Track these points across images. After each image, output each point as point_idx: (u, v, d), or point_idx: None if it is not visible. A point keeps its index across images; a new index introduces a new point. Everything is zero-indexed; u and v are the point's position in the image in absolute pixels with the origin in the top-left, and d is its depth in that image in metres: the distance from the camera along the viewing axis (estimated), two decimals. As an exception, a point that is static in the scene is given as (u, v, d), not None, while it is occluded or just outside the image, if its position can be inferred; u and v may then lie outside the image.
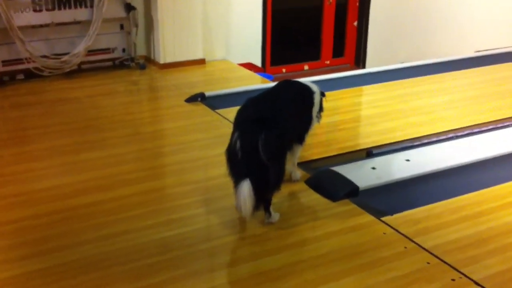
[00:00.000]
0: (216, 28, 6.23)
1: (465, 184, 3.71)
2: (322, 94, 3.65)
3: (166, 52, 5.90)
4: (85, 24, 5.51)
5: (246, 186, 2.91)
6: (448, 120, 4.77)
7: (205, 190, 3.51)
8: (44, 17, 5.31)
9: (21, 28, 5.19)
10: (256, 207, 2.99)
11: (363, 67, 7.83)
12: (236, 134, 3.01)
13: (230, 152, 3.03)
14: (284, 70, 7.39)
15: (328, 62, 7.77)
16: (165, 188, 3.52)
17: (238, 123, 3.06)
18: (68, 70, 5.51)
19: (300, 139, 3.50)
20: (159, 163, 3.84)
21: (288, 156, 3.52)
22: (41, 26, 5.35)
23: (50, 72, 5.44)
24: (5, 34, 5.12)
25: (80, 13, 5.45)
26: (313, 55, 7.68)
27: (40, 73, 5.40)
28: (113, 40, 5.76)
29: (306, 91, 3.52)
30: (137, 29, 5.86)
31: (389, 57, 7.83)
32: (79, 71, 5.67)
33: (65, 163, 3.83)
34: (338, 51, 7.83)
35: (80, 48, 5.48)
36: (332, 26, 7.65)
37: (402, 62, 7.41)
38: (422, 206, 3.39)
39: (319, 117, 3.64)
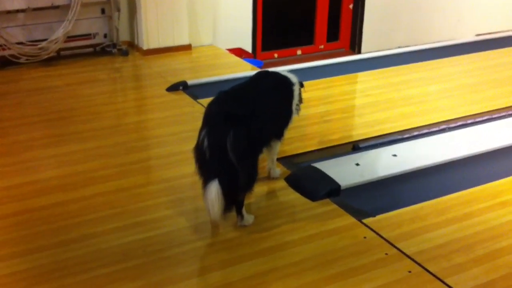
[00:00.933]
0: (202, 12, 5.96)
1: (455, 181, 3.50)
2: (301, 85, 3.41)
3: (150, 37, 5.65)
4: (64, 9, 5.25)
5: (214, 188, 2.70)
6: (441, 110, 4.53)
7: (177, 189, 3.29)
8: (20, 2, 5.06)
9: (-5, 13, 4.97)
10: (226, 210, 2.78)
11: (359, 51, 7.56)
12: (204, 131, 2.78)
13: (198, 151, 2.81)
14: (276, 55, 7.13)
15: (322, 46, 7.49)
16: (134, 188, 3.29)
17: (207, 118, 2.84)
18: (46, 57, 5.28)
19: (278, 135, 3.27)
20: (130, 159, 3.62)
21: (266, 153, 3.32)
22: (17, 11, 5.10)
23: (27, 60, 5.21)
24: (-21, 19, 4.90)
25: (58, -3, 5.21)
26: (307, 39, 7.40)
27: (17, 60, 5.17)
28: (94, 25, 5.51)
29: (284, 82, 3.28)
30: (119, 14, 5.60)
31: (386, 41, 7.57)
32: (58, 58, 5.43)
33: (29, 160, 3.61)
34: (332, 35, 7.55)
35: (59, 34, 5.24)
36: (327, 8, 7.37)
37: (399, 47, 7.17)
38: (407, 207, 3.18)
39: (298, 109, 3.40)
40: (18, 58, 5.16)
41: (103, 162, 3.59)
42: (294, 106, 3.31)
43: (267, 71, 3.36)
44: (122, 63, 5.55)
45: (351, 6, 7.47)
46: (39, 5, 5.15)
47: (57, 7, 5.24)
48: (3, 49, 5.07)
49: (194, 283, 2.55)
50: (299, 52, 7.34)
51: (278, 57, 7.16)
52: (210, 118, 2.82)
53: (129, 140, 3.92)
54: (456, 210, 3.16)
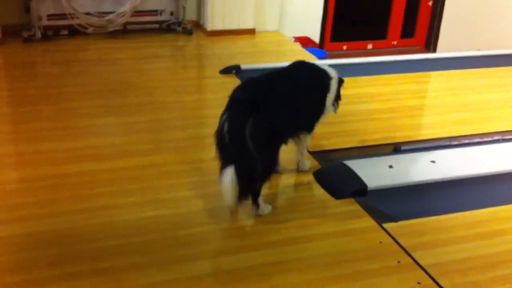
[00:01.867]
0: (269, -4, 5.95)
1: (494, 195, 3.32)
2: (341, 81, 3.33)
3: (214, 19, 5.70)
4: (133, -16, 5.41)
5: (229, 174, 2.70)
6: (499, 120, 4.29)
7: (204, 171, 3.32)
8: (91, -26, 5.26)
9: (67, -17, 5.17)
10: (241, 197, 2.78)
11: (434, 51, 7.29)
12: (225, 116, 2.78)
13: (218, 135, 2.82)
14: (345, 47, 7.00)
15: (395, 42, 7.28)
16: (163, 165, 3.35)
17: (229, 103, 2.83)
18: (112, 29, 5.44)
19: (308, 128, 3.22)
20: (167, 137, 3.68)
21: (295, 145, 3.28)
22: (87, -18, 5.30)
23: (94, 30, 5.39)
24: (51, -13, 5.12)
25: (129, -27, 5.35)
26: (379, 33, 7.21)
27: (84, 30, 5.36)
28: (161, 2, 5.62)
29: (320, 75, 3.21)
30: (187, -7, 5.69)
31: (465, 42, 7.23)
32: (124, 31, 5.59)
33: (72, 127, 3.75)
34: (407, 32, 7.31)
35: (126, 7, 5.38)
36: (404, 3, 7.13)
37: (479, 50, 6.85)
38: (435, 216, 3.05)
39: (336, 106, 3.32)
40: (85, 28, 5.35)
41: (141, 137, 3.67)
42: (329, 101, 3.23)
43: (304, 62, 3.30)
44: (185, 42, 5.64)
45: (430, 3, 7.20)
46: (110, -22, 5.32)
47: (127, -19, 5.39)
48: (72, 18, 5.26)
49: (195, 265, 2.56)
50: (370, 46, 7.17)
51: (347, 49, 7.02)
52: (232, 103, 2.81)
53: (171, 118, 3.99)
54: (487, 225, 2.99)
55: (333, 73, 3.26)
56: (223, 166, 2.77)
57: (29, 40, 5.21)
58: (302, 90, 3.04)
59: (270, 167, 2.85)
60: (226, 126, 2.74)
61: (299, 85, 3.05)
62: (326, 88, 3.21)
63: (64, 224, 2.76)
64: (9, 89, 4.39)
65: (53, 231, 2.71)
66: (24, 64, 4.91)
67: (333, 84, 3.24)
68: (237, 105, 2.79)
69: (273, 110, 2.77)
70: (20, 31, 5.24)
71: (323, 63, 3.50)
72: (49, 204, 2.91)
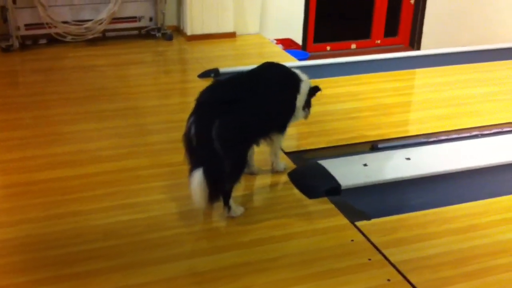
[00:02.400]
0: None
1: (470, 191, 3.30)
2: (316, 89, 3.30)
3: (194, 23, 5.69)
4: (111, -9, 5.40)
5: (197, 176, 2.69)
6: (479, 115, 4.28)
7: (177, 175, 3.28)
8: (68, -19, 5.25)
9: (44, -8, 5.16)
10: (212, 199, 2.77)
11: (418, 48, 7.28)
12: (191, 119, 2.77)
13: (186, 138, 2.80)
14: (328, 48, 7.00)
15: (379, 41, 7.28)
16: (136, 169, 3.33)
17: (196, 106, 2.82)
18: (91, 37, 5.43)
19: (279, 128, 3.20)
20: (141, 141, 3.66)
21: (268, 146, 3.26)
22: (65, -9, 5.29)
23: (72, 38, 5.38)
24: (28, -3, 5.10)
25: (106, -21, 5.35)
26: (363, 33, 7.21)
27: (63, 39, 5.35)
28: (140, 9, 5.61)
29: (290, 76, 3.19)
30: (165, -2, 5.68)
31: (449, 39, 7.21)
32: (103, 38, 5.58)
33: (47, 134, 3.73)
34: (391, 30, 7.31)
35: (104, 15, 5.37)
36: (386, 1, 7.13)
37: (464, 46, 6.85)
38: (409, 213, 3.03)
39: (306, 112, 3.30)
40: (64, 36, 5.34)
41: (115, 142, 3.66)
42: (299, 102, 3.21)
43: (274, 63, 3.29)
44: (165, 47, 5.62)
45: (412, 0, 7.20)
46: (87, -14, 5.31)
47: (104, -12, 5.39)
48: (49, 27, 5.25)
49: (163, 269, 2.54)
50: (353, 46, 7.17)
51: (331, 49, 7.02)
52: (199, 106, 2.80)
53: (146, 123, 3.98)
54: (461, 221, 2.98)
55: (304, 76, 3.24)
56: (192, 169, 2.76)
57: (8, 50, 5.19)
58: (270, 90, 3.03)
59: (239, 168, 2.83)
60: (193, 129, 2.73)
61: (267, 85, 3.03)
62: (296, 89, 3.19)
63: (33, 231, 2.75)
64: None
65: (21, 238, 2.69)
66: (2, 74, 4.89)
67: (303, 87, 3.22)
68: (203, 107, 2.78)
69: (240, 111, 2.76)
70: (-2, 41, 5.24)
71: (295, 66, 3.49)
72: (18, 211, 2.89)
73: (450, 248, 2.76)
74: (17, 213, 2.89)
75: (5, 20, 5.17)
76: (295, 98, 3.18)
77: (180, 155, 3.47)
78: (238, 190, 3.14)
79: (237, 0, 5.82)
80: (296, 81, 3.19)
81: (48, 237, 2.71)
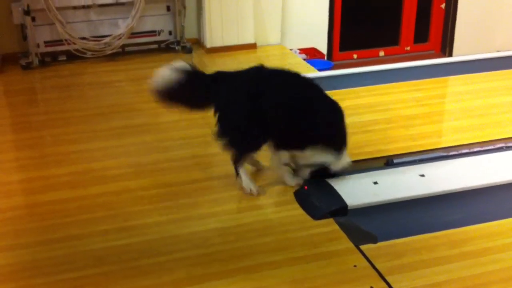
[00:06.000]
0: (270, 9, 5.80)
1: (488, 210, 3.10)
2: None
3: (213, 35, 5.61)
4: (128, 5, 5.37)
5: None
6: (504, 125, 4.04)
7: (178, 195, 3.21)
8: (86, -2, 5.26)
9: (63, 9, 5.17)
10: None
11: (450, 54, 7.02)
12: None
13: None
14: (355, 56, 6.81)
15: (408, 48, 7.04)
16: (138, 190, 3.26)
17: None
18: (110, 52, 5.42)
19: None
20: (147, 160, 3.59)
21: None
22: (83, 7, 5.28)
23: (92, 54, 5.38)
24: (47, 14, 5.11)
25: (123, -6, 5.34)
26: (391, 39, 6.98)
27: (82, 55, 5.36)
28: (159, 22, 5.57)
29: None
30: (185, 10, 5.62)
31: (482, 44, 6.94)
32: (123, 53, 5.56)
33: (52, 154, 3.70)
34: (421, 36, 7.06)
35: (122, 30, 5.36)
36: (415, 7, 6.90)
37: (498, 51, 6.57)
38: (418, 235, 2.86)
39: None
40: (83, 52, 5.34)
41: (121, 161, 3.60)
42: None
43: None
44: (185, 60, 5.55)
45: (443, 5, 6.95)
46: (104, 1, 5.29)
47: (122, 3, 5.36)
48: (68, 44, 5.27)
49: (152, 298, 2.46)
50: (381, 53, 6.96)
51: (358, 58, 6.83)
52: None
53: (156, 140, 3.90)
54: (474, 243, 2.79)
55: None
56: None
57: (27, 67, 5.23)
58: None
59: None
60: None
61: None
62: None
63: (25, 257, 2.69)
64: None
65: (12, 264, 2.65)
66: (22, 91, 4.93)
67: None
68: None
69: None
70: (18, 59, 5.27)
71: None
72: (11, 236, 2.85)
73: (460, 274, 2.57)
74: (11, 237, 2.85)
75: (25, 38, 5.21)
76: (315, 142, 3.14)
77: (181, 174, 3.45)
78: (238, 203, 3.17)
79: (257, 11, 5.72)
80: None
81: (40, 263, 2.65)
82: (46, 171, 3.50)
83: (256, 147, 3.19)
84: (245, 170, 3.21)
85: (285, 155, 3.19)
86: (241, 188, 3.20)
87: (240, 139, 3.14)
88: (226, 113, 3.10)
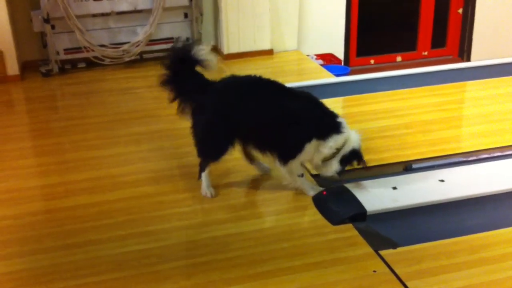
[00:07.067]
0: (286, 16, 5.81)
1: (504, 215, 3.07)
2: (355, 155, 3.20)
3: (230, 41, 5.64)
4: (146, 13, 5.42)
5: None
6: (524, 131, 4.02)
7: (197, 200, 3.23)
8: (104, 5, 5.29)
9: (82, 17, 5.23)
10: None
11: (468, 59, 6.97)
12: None
13: None
14: (372, 62, 6.79)
15: (426, 53, 7.01)
16: (158, 195, 3.29)
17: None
18: (128, 59, 5.47)
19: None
20: (165, 166, 3.61)
21: None
22: (102, 15, 5.34)
23: (111, 61, 5.43)
24: (66, 22, 5.17)
25: (141, 2, 5.36)
26: (408, 44, 6.95)
27: (101, 62, 5.41)
28: (176, 29, 5.60)
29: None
30: (202, 17, 5.65)
31: (500, 48, 6.89)
32: (140, 60, 5.60)
33: (71, 160, 3.74)
34: (438, 41, 7.02)
35: (140, 37, 5.40)
36: (432, 12, 6.87)
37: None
38: (438, 240, 2.84)
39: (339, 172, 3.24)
40: (102, 59, 5.40)
41: (139, 167, 3.63)
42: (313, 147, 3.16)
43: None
44: (200, 67, 5.58)
45: (460, 10, 6.91)
46: (123, 9, 5.34)
47: (140, 11, 5.41)
48: (87, 51, 5.32)
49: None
50: (399, 58, 6.93)
51: (375, 63, 6.81)
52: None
53: (173, 146, 3.92)
54: (494, 249, 2.77)
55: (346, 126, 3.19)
56: None
57: (47, 74, 5.30)
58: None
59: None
60: None
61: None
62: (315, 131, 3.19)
63: (46, 261, 2.73)
64: (14, 126, 4.44)
65: (34, 269, 2.67)
66: (42, 98, 4.99)
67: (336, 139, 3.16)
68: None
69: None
70: (38, 66, 5.34)
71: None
72: (32, 241, 2.88)
73: (479, 279, 2.55)
74: (32, 242, 2.88)
75: (45, 46, 5.28)
76: (308, 139, 3.08)
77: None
78: (257, 208, 3.17)
79: (274, 17, 5.74)
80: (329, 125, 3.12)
81: (60, 268, 2.68)
82: (66, 177, 3.53)
83: (219, 155, 3.22)
84: (206, 175, 3.26)
85: (295, 165, 3.17)
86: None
87: (205, 148, 3.24)
88: (195, 123, 3.21)
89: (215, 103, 3.14)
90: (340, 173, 3.20)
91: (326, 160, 3.14)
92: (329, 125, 3.12)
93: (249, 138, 3.17)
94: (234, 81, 3.25)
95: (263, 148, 3.16)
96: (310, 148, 3.10)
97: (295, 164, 3.14)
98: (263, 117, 3.09)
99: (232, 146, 3.17)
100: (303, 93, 3.23)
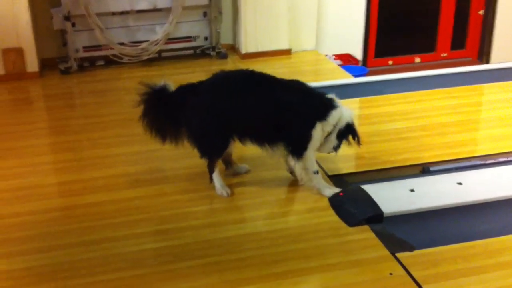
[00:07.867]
0: (304, 15, 5.80)
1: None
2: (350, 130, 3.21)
3: (248, 41, 5.64)
4: (166, 12, 5.44)
5: None
6: (543, 134, 3.97)
7: (215, 199, 3.24)
8: (124, 4, 5.32)
9: (101, 15, 5.26)
10: None
11: (487, 61, 6.91)
12: None
13: None
14: (390, 63, 6.75)
15: (445, 54, 6.95)
16: (174, 194, 3.30)
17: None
18: (146, 57, 5.49)
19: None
20: (182, 164, 3.62)
21: None
22: (121, 13, 5.37)
23: (129, 59, 5.46)
24: (86, 20, 5.21)
25: (161, 0, 5.38)
26: (428, 46, 6.90)
27: (119, 60, 5.44)
28: (195, 28, 5.61)
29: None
30: (221, 17, 5.66)
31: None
32: (159, 59, 5.63)
33: (88, 158, 3.78)
34: (458, 43, 6.96)
35: (159, 35, 5.42)
36: (452, 13, 6.81)
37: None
38: (455, 243, 2.82)
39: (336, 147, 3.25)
40: (120, 57, 5.43)
41: (155, 165, 3.65)
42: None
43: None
44: (219, 66, 5.57)
45: (481, 11, 6.85)
46: (142, 7, 5.37)
47: (159, 9, 5.43)
48: (106, 49, 5.36)
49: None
50: (417, 59, 6.88)
51: (393, 64, 6.77)
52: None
53: (190, 145, 3.93)
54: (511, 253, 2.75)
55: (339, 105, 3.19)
56: None
57: (66, 72, 5.34)
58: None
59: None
60: None
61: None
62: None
63: (63, 258, 2.75)
64: (32, 122, 4.49)
65: (51, 265, 2.70)
66: (60, 95, 5.03)
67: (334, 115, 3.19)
68: None
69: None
70: (57, 64, 5.38)
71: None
72: (50, 237, 2.91)
73: (496, 284, 2.54)
74: (49, 239, 2.91)
75: (65, 43, 5.32)
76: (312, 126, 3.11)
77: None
78: (273, 208, 3.15)
79: (292, 17, 5.73)
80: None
81: (78, 264, 2.70)
82: (83, 174, 3.56)
83: (221, 151, 3.25)
84: (217, 175, 3.27)
85: (309, 157, 3.17)
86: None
87: (205, 146, 3.24)
88: (190, 125, 3.22)
89: (208, 100, 3.17)
90: (336, 148, 3.23)
91: (326, 137, 3.18)
92: (325, 104, 3.16)
93: (246, 133, 3.18)
94: (224, 77, 3.30)
95: (261, 142, 3.18)
96: (317, 133, 3.14)
97: (309, 155, 3.15)
98: (259, 112, 3.14)
99: (232, 140, 3.20)
100: (292, 81, 3.28)
